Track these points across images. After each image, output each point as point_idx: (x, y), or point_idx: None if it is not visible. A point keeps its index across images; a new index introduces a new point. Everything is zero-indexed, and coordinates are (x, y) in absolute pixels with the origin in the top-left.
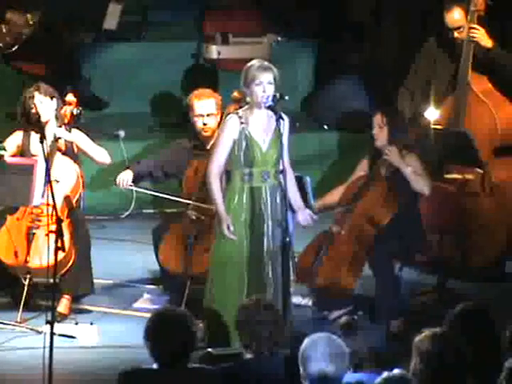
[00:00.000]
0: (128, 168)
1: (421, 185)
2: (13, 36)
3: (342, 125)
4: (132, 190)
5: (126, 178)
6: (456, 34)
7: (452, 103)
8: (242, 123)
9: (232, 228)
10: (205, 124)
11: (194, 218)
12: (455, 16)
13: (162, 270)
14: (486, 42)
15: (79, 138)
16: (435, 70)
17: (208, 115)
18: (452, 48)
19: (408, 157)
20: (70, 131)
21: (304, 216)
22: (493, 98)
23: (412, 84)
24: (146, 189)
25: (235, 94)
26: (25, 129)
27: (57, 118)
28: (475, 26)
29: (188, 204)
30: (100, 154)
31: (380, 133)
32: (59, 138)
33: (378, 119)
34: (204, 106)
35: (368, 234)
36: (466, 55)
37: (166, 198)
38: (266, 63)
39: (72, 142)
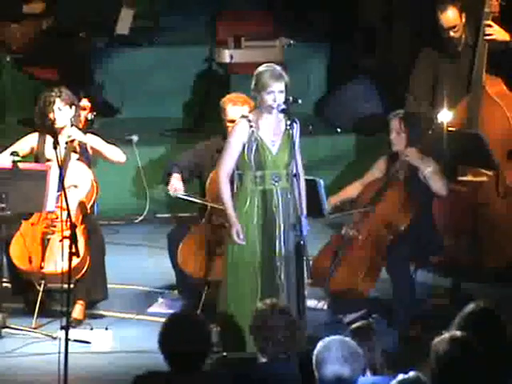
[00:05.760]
0: (173, 172)
1: (439, 185)
2: (26, 40)
3: (355, 128)
4: (183, 198)
5: (178, 185)
6: (451, 34)
7: (466, 105)
8: (251, 127)
9: (242, 236)
10: None
11: (217, 223)
12: (450, 16)
13: (178, 274)
14: (503, 36)
15: (93, 139)
16: (438, 75)
17: None
18: (453, 51)
19: (425, 160)
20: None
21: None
22: (507, 100)
23: (416, 91)
24: (194, 197)
25: None
26: (40, 131)
27: (72, 124)
28: (489, 23)
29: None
30: (115, 154)
31: (398, 138)
32: (73, 139)
33: (396, 125)
34: (238, 112)
35: (385, 239)
36: (481, 57)
37: (209, 206)
38: (277, 71)
39: (86, 144)
